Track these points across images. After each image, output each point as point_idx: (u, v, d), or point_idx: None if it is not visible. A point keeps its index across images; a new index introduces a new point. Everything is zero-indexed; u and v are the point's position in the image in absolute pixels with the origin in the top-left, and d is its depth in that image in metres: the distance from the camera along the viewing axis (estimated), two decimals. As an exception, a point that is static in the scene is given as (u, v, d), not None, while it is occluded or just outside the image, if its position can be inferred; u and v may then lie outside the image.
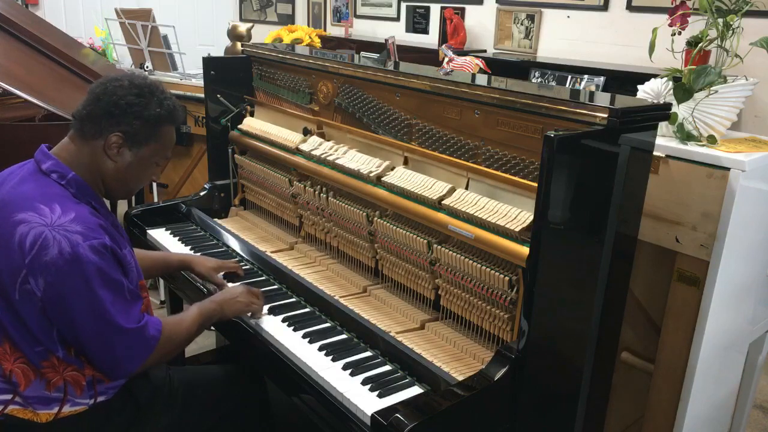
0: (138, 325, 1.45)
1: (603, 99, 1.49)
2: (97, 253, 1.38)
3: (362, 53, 4.05)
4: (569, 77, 3.80)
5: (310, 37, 4.00)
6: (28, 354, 1.42)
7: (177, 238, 2.23)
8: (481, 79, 1.77)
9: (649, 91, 1.84)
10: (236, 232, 2.24)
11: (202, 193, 2.46)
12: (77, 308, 1.37)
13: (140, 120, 1.49)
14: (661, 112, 1.49)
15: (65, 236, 1.36)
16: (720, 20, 1.72)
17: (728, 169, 1.59)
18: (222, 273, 1.94)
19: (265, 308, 1.77)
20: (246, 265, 2.06)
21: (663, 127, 1.77)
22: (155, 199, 3.52)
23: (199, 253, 2.10)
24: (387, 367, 1.53)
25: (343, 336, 1.66)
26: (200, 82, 2.87)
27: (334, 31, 5.91)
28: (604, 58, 4.01)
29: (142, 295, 1.55)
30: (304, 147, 2.04)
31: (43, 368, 1.44)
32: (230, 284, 1.89)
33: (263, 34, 4.41)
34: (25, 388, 1.44)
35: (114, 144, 1.48)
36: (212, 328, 2.57)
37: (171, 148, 1.60)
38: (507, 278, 1.47)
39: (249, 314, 1.73)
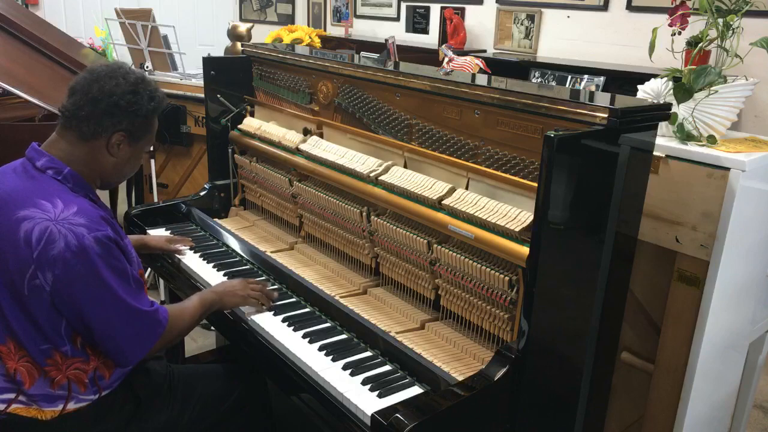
0: (149, 308, 1.49)
1: (603, 99, 1.49)
2: (101, 244, 1.40)
3: (362, 53, 4.05)
4: (569, 77, 3.80)
5: (310, 37, 4.01)
6: (33, 352, 1.44)
7: (177, 238, 2.23)
8: (481, 79, 1.77)
9: (649, 91, 1.84)
10: (236, 232, 2.24)
11: (202, 193, 2.47)
12: (87, 298, 1.40)
13: (140, 117, 1.53)
14: (661, 112, 1.49)
15: (70, 229, 1.38)
16: (720, 20, 1.72)
17: (728, 169, 1.58)
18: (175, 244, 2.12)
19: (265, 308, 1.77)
20: (246, 265, 2.06)
21: (663, 127, 1.77)
22: (155, 199, 3.52)
23: (198, 254, 2.10)
24: (387, 367, 1.53)
25: (343, 336, 1.66)
26: (200, 82, 2.88)
27: (334, 31, 5.91)
28: (604, 58, 4.01)
29: None
30: (304, 147, 2.04)
31: (46, 366, 1.45)
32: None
33: (263, 34, 4.41)
34: (29, 386, 1.45)
35: (116, 142, 1.52)
36: (212, 328, 2.56)
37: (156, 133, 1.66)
38: (507, 278, 1.47)
39: (254, 307, 1.76)
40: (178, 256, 2.08)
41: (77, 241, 1.37)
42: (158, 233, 2.25)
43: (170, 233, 2.25)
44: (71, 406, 1.49)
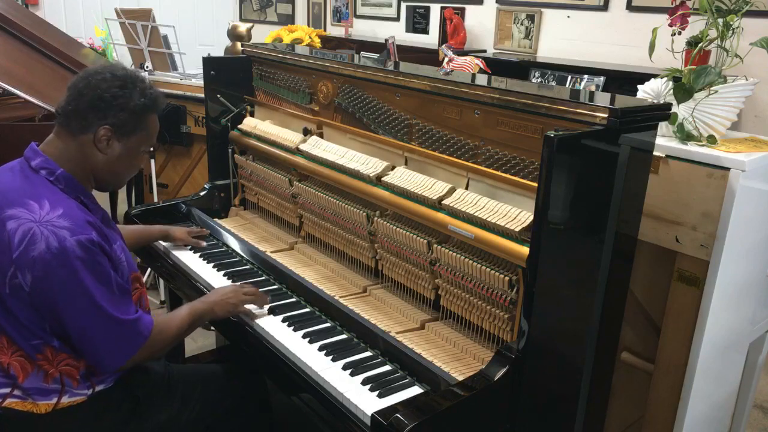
0: (130, 317, 1.46)
1: (603, 99, 1.49)
2: (83, 248, 1.39)
3: (362, 53, 4.05)
4: (569, 77, 3.80)
5: (310, 37, 4.01)
6: (25, 347, 1.44)
7: (177, 238, 2.23)
8: (481, 79, 1.77)
9: (649, 91, 1.84)
10: (236, 232, 2.24)
11: (202, 193, 2.47)
12: (65, 302, 1.39)
13: (126, 111, 1.50)
14: (661, 112, 1.49)
15: (53, 231, 1.37)
16: (720, 20, 1.72)
17: (728, 169, 1.58)
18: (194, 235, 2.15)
19: (265, 308, 1.77)
20: (246, 265, 2.06)
21: (663, 127, 1.77)
22: (155, 199, 3.52)
23: (198, 253, 2.10)
24: (387, 367, 1.53)
25: (343, 336, 1.66)
26: (200, 82, 2.87)
27: (334, 31, 5.92)
28: (604, 58, 4.01)
29: (135, 286, 1.57)
30: (304, 147, 2.04)
31: (39, 360, 1.45)
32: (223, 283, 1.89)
33: (263, 34, 4.41)
34: (23, 380, 1.46)
35: (103, 137, 1.50)
36: (212, 328, 2.56)
37: (156, 135, 1.62)
38: (507, 278, 1.47)
39: (245, 312, 1.74)
40: (178, 255, 2.08)
41: (58, 244, 1.36)
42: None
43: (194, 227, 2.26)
44: (65, 399, 1.49)
